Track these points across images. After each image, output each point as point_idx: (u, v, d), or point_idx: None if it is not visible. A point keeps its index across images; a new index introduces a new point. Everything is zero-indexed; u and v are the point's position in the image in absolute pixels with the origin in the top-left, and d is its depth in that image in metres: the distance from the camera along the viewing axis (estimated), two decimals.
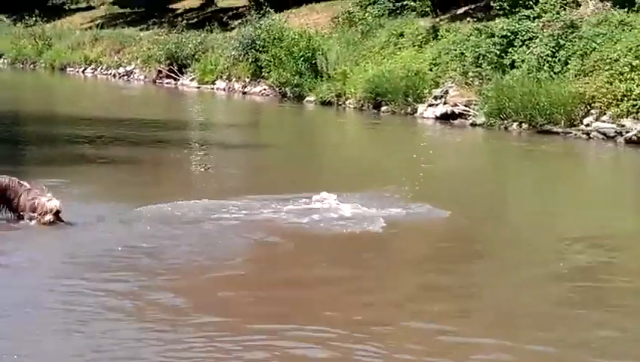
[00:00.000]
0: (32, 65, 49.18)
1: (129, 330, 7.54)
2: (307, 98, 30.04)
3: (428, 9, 30.44)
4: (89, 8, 59.19)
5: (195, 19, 45.57)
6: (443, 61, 26.16)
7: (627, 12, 23.08)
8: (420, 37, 28.51)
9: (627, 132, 20.11)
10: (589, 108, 21.19)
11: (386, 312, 8.34)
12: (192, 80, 37.43)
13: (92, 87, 41.53)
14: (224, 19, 41.54)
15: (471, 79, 24.67)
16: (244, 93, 33.92)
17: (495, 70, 24.01)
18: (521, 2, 25.41)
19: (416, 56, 27.51)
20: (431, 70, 26.24)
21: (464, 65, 25.18)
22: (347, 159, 18.91)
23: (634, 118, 20.29)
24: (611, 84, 20.87)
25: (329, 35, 32.40)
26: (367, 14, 31.93)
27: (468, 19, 28.21)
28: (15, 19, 56.35)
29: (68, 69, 46.20)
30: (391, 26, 30.21)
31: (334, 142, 22.65)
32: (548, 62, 22.86)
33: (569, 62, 22.47)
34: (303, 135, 24.11)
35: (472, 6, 30.21)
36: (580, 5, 24.87)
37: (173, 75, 38.33)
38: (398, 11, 31.35)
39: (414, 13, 30.68)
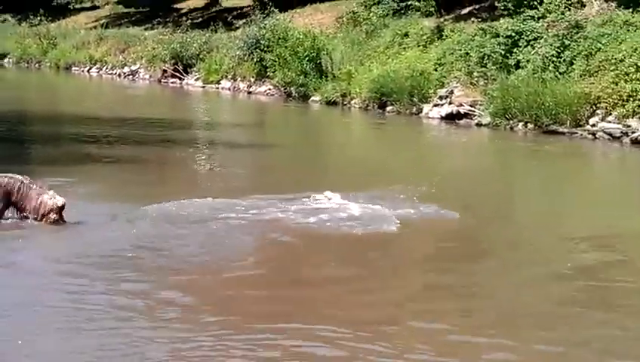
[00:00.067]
0: (37, 65, 49.23)
1: (137, 329, 7.56)
2: (312, 98, 30.05)
3: (432, 9, 30.44)
4: (94, 8, 59.24)
5: (200, 19, 45.59)
6: (448, 61, 26.16)
7: (632, 12, 23.07)
8: (424, 37, 28.52)
9: (633, 132, 20.11)
10: (594, 108, 21.18)
11: (392, 311, 8.36)
12: (197, 79, 37.44)
13: (97, 87, 41.55)
14: (229, 19, 41.57)
15: (476, 79, 24.67)
16: (249, 92, 33.93)
17: (500, 70, 24.00)
18: (525, 2, 25.42)
19: (421, 56, 27.51)
20: (436, 70, 26.24)
21: (469, 66, 25.17)
22: (352, 159, 18.92)
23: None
24: (617, 85, 20.87)
25: (334, 35, 32.41)
26: (371, 14, 31.94)
27: (472, 19, 28.22)
28: (20, 18, 56.39)
29: (73, 69, 46.25)
30: (395, 26, 30.21)
31: (340, 142, 22.65)
32: (553, 62, 22.85)
33: (574, 62, 22.47)
34: (308, 135, 24.11)
35: (477, 6, 30.19)
36: (584, 6, 24.86)
37: (178, 74, 38.35)
38: (402, 11, 31.36)
39: (419, 13, 30.68)
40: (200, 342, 7.28)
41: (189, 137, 21.92)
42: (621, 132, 20.36)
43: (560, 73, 22.46)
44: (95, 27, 50.15)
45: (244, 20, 38.30)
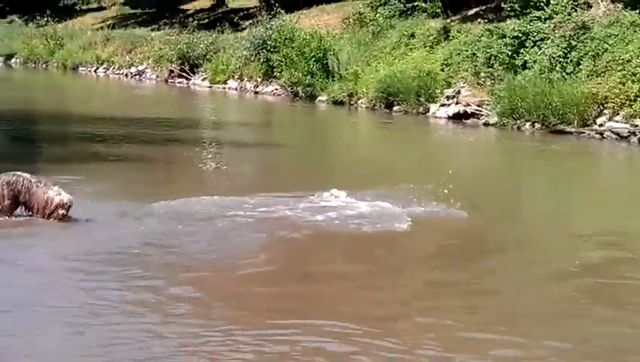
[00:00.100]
0: (44, 65, 49.34)
1: (146, 324, 7.58)
2: (319, 98, 30.08)
3: (439, 10, 30.48)
4: (100, 9, 59.38)
5: (206, 20, 45.66)
6: (454, 61, 26.17)
7: (639, 13, 23.05)
8: (431, 38, 28.55)
9: None
10: (601, 108, 21.18)
11: (400, 308, 8.39)
12: (203, 80, 37.50)
13: (104, 87, 41.63)
14: (235, 20, 41.65)
15: (483, 79, 24.68)
16: (256, 92, 33.97)
17: (507, 70, 24.01)
18: (532, 3, 25.43)
19: (427, 57, 27.53)
20: (443, 70, 26.25)
21: (476, 66, 25.18)
22: (359, 158, 18.94)
23: None
24: (624, 85, 20.87)
25: (340, 36, 32.44)
26: (377, 15, 31.97)
27: (479, 20, 28.23)
28: (27, 19, 56.52)
29: (80, 69, 46.34)
30: (402, 26, 30.23)
31: (346, 142, 22.67)
32: (560, 62, 22.86)
33: (581, 62, 22.47)
34: (315, 134, 24.13)
35: (483, 7, 30.23)
36: (591, 7, 24.84)
37: (185, 74, 38.41)
38: (408, 12, 31.39)
39: (425, 14, 30.72)
40: (209, 337, 7.29)
41: (196, 136, 21.95)
42: (629, 131, 20.36)
43: (567, 73, 22.46)
44: (102, 28, 50.25)
45: (250, 21, 38.37)
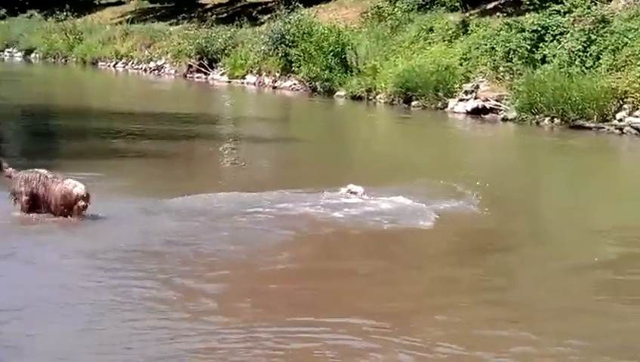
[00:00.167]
0: (63, 60, 49.48)
1: (166, 321, 7.63)
2: (337, 93, 30.06)
3: (457, 4, 30.35)
4: (119, 3, 59.50)
5: (225, 14, 45.68)
6: (473, 56, 26.10)
7: None
8: (449, 32, 28.47)
9: None
10: (621, 103, 21.09)
11: (419, 304, 8.43)
12: (222, 74, 37.53)
13: (123, 82, 41.74)
14: (253, 14, 41.68)
15: (502, 74, 24.60)
16: (275, 87, 33.98)
17: (526, 65, 23.93)
18: None
19: (446, 51, 27.46)
20: (461, 65, 26.18)
21: (495, 60, 25.11)
22: (378, 154, 18.93)
23: None
24: None
25: (358, 30, 32.39)
26: (396, 9, 31.90)
27: (498, 14, 28.17)
28: (46, 14, 56.74)
29: (99, 64, 46.46)
30: (420, 20, 30.15)
31: (365, 137, 22.66)
32: (579, 56, 22.76)
33: (601, 57, 22.37)
34: (333, 129, 24.14)
35: (502, 1, 30.12)
36: (610, 0, 24.73)
37: (203, 69, 38.46)
38: (427, 6, 31.29)
39: (444, 7, 30.62)
40: (229, 333, 7.33)
41: (214, 132, 22.01)
42: None
43: (586, 68, 22.36)
44: (120, 22, 50.34)
45: (268, 15, 38.37)
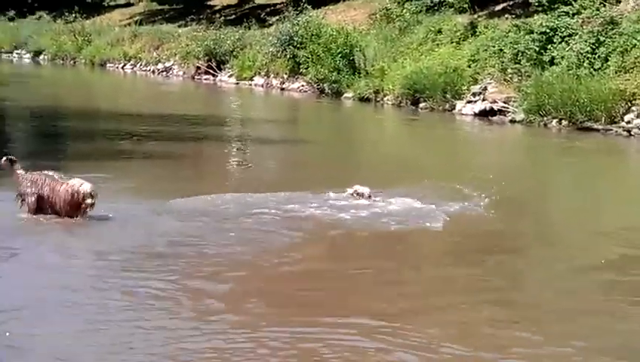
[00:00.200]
0: (72, 61, 49.56)
1: (169, 321, 7.63)
2: (345, 94, 30.06)
3: (465, 5, 30.32)
4: (128, 5, 59.62)
5: (233, 16, 45.73)
6: (481, 57, 26.07)
7: None
8: (457, 33, 28.45)
9: None
10: (629, 105, 21.06)
11: (425, 304, 8.43)
12: (230, 76, 37.56)
13: (131, 83, 41.80)
14: (262, 16, 41.71)
15: (510, 76, 24.57)
16: (282, 89, 34.00)
17: (534, 67, 23.90)
18: None
19: (454, 53, 27.44)
20: (469, 67, 26.16)
21: (503, 62, 25.08)
22: (385, 155, 18.92)
23: None
24: None
25: (367, 32, 32.40)
26: (404, 11, 31.88)
27: (506, 15, 28.14)
28: (55, 15, 56.85)
29: (107, 65, 46.53)
30: (429, 22, 30.14)
31: (372, 139, 22.65)
32: (588, 58, 22.72)
33: (609, 58, 22.33)
34: (341, 131, 24.13)
35: (510, 2, 30.08)
36: (619, 2, 24.69)
37: (211, 71, 38.49)
38: (435, 8, 31.27)
39: (452, 9, 30.59)
40: (234, 334, 7.35)
41: (222, 133, 22.03)
42: None
43: (595, 70, 22.33)
44: (129, 24, 50.42)
45: (277, 17, 38.40)
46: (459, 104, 25.48)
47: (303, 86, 32.96)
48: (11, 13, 59.84)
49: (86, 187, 10.95)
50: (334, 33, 31.74)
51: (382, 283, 9.01)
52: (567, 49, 23.58)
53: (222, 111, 28.39)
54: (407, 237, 11.00)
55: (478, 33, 27.69)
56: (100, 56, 47.32)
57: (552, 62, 23.79)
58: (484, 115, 24.28)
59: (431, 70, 26.65)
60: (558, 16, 24.64)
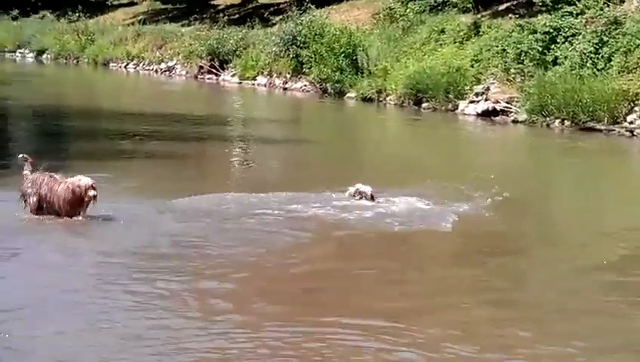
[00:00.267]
0: (75, 61, 49.58)
1: (171, 321, 7.63)
2: (348, 94, 30.04)
3: (469, 5, 30.27)
4: (131, 4, 59.62)
5: (237, 15, 45.72)
6: (484, 57, 26.04)
7: None
8: (461, 33, 28.42)
9: None
10: (632, 105, 21.03)
11: (428, 304, 8.45)
12: (233, 75, 37.56)
13: (134, 83, 41.82)
14: (265, 15, 41.68)
15: (513, 76, 24.54)
16: (285, 88, 33.99)
17: (537, 67, 23.87)
18: None
19: (457, 53, 27.41)
20: (472, 67, 26.13)
21: (506, 62, 25.05)
22: (388, 155, 18.91)
23: None
24: None
25: (370, 32, 32.36)
26: (408, 10, 31.84)
27: (510, 15, 28.10)
28: (58, 14, 56.88)
29: (110, 65, 46.53)
30: (432, 22, 30.10)
31: (375, 139, 22.64)
32: (591, 58, 22.69)
33: (612, 58, 22.30)
34: (343, 131, 24.13)
35: (514, 2, 30.03)
36: (623, 2, 24.65)
37: (214, 70, 38.50)
38: (439, 7, 31.22)
39: (455, 9, 30.54)
40: (237, 333, 7.35)
41: (225, 133, 22.03)
42: None
43: (598, 70, 22.29)
44: (132, 23, 50.44)
45: (280, 17, 38.38)
46: (461, 104, 25.46)
47: (305, 86, 32.95)
48: (15, 12, 59.87)
49: (86, 180, 10.93)
50: (337, 33, 31.72)
51: (385, 283, 9.02)
52: (570, 49, 23.55)
53: (224, 111, 28.38)
54: (411, 237, 11.01)
55: (481, 33, 27.67)
56: (103, 56, 47.34)
57: (555, 62, 23.76)
58: (487, 115, 24.26)
59: (434, 70, 26.63)
60: (562, 16, 24.60)
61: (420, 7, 31.61)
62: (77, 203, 10.94)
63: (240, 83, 36.61)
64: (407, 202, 12.41)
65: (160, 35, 45.21)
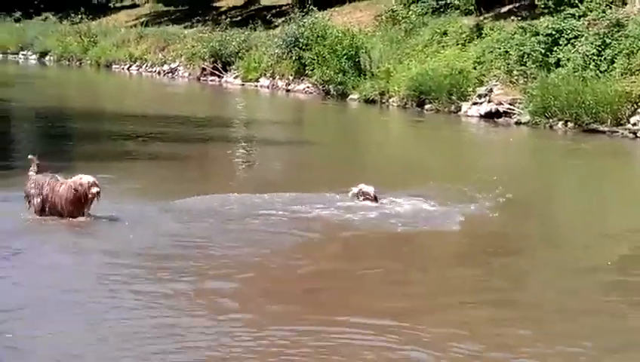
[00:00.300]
0: (77, 63, 49.60)
1: (175, 319, 7.66)
2: (350, 96, 30.05)
3: (472, 7, 30.32)
4: (134, 6, 59.68)
5: (239, 17, 45.74)
6: (487, 59, 26.04)
7: None
8: (463, 35, 28.42)
9: None
10: (635, 107, 21.03)
11: (431, 304, 8.48)
12: (235, 77, 37.58)
13: (137, 85, 41.85)
14: (267, 17, 41.69)
15: (515, 77, 24.55)
16: (288, 90, 34.00)
17: (540, 68, 23.87)
18: (566, 1, 25.27)
19: (459, 55, 27.42)
20: (475, 69, 26.14)
21: (508, 64, 25.05)
22: (391, 157, 18.92)
23: None
24: None
25: (372, 34, 32.37)
26: (410, 12, 31.85)
27: (512, 17, 28.11)
28: (61, 16, 56.92)
29: (113, 66, 46.56)
30: (434, 24, 30.11)
31: (378, 140, 22.65)
32: (594, 60, 22.69)
33: (615, 60, 22.30)
34: (346, 133, 24.14)
35: (517, 4, 30.06)
36: (626, 4, 24.66)
37: (217, 72, 38.51)
38: (441, 9, 31.26)
39: (458, 11, 30.58)
40: (241, 333, 7.38)
41: (227, 134, 22.04)
42: None
43: (601, 72, 22.29)
44: (135, 25, 50.44)
45: (283, 18, 38.40)
46: (464, 106, 25.46)
47: (308, 87, 32.96)
48: (17, 14, 59.88)
49: (88, 178, 10.92)
50: (340, 35, 31.72)
51: (389, 283, 9.05)
52: (573, 51, 23.55)
53: (227, 113, 28.40)
54: (414, 238, 11.03)
55: (483, 35, 27.67)
56: (106, 58, 47.36)
57: (557, 64, 23.76)
58: (490, 116, 24.26)
59: (436, 72, 26.63)
60: (564, 18, 24.60)
61: (422, 9, 31.64)
62: (79, 202, 10.92)
63: (243, 85, 36.63)
64: (410, 203, 12.43)
65: (162, 37, 45.23)
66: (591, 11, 24.37)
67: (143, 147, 18.61)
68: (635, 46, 22.01)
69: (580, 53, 23.18)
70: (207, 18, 47.82)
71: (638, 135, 20.61)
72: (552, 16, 25.20)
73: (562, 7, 25.20)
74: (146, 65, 44.63)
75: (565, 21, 24.45)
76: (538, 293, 9.02)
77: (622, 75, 21.71)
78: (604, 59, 22.55)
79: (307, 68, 32.76)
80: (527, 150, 21.34)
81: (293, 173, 16.69)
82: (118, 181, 13.60)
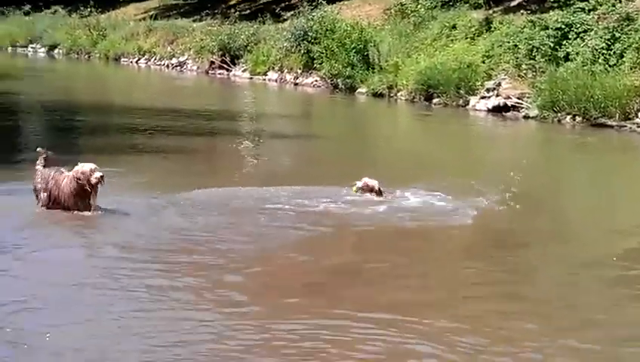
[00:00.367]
0: (86, 56, 49.64)
1: (182, 312, 7.67)
2: (359, 90, 30.02)
3: (481, 1, 30.22)
4: None
5: (248, 11, 45.72)
6: (496, 53, 25.99)
7: None
8: (472, 29, 28.35)
9: None
10: None
11: (439, 298, 8.47)
12: (244, 71, 37.56)
13: (146, 78, 41.86)
14: (277, 11, 41.60)
15: (524, 71, 24.49)
16: (296, 84, 33.97)
17: (549, 62, 23.81)
18: None
19: (468, 49, 27.36)
20: (483, 62, 26.08)
21: (517, 58, 24.99)
22: (399, 151, 18.90)
23: None
24: None
25: (381, 27, 32.30)
26: (419, 6, 31.76)
27: (521, 11, 28.01)
28: (70, 10, 56.91)
29: (122, 60, 46.58)
30: (443, 17, 30.04)
31: (386, 134, 22.61)
32: (603, 54, 22.62)
33: (624, 55, 22.23)
34: (354, 126, 24.12)
35: None
36: None
37: (225, 65, 38.51)
38: (450, 3, 31.17)
39: (467, 5, 30.48)
40: (246, 326, 7.38)
41: (236, 128, 22.03)
42: None
43: (610, 66, 22.22)
44: (144, 18, 50.46)
45: (292, 12, 38.32)
46: (472, 100, 25.42)
47: (316, 81, 32.94)
48: (27, 7, 59.93)
49: (88, 165, 10.88)
50: (349, 28, 31.68)
51: (396, 277, 9.03)
52: (582, 45, 23.49)
53: (235, 106, 28.39)
54: (422, 232, 11.01)
55: (492, 29, 27.60)
56: (115, 51, 47.37)
57: (566, 58, 23.69)
58: (498, 110, 24.21)
59: (445, 66, 26.58)
60: (574, 12, 24.53)
61: (431, 2, 31.54)
62: (82, 192, 10.85)
63: (251, 78, 36.61)
64: (418, 197, 12.42)
65: (171, 30, 45.23)
66: (600, 5, 24.30)
67: (150, 140, 18.62)
68: None
69: (589, 47, 23.12)
70: (216, 11, 47.79)
71: None
72: (562, 10, 25.13)
73: (572, 1, 25.13)
74: (155, 59, 44.63)
75: (575, 15, 24.38)
76: (545, 288, 9.02)
77: (631, 69, 21.65)
78: (614, 53, 22.49)
79: (315, 61, 32.72)
80: (536, 144, 21.30)
81: (300, 167, 16.67)
82: (126, 174, 13.62)
